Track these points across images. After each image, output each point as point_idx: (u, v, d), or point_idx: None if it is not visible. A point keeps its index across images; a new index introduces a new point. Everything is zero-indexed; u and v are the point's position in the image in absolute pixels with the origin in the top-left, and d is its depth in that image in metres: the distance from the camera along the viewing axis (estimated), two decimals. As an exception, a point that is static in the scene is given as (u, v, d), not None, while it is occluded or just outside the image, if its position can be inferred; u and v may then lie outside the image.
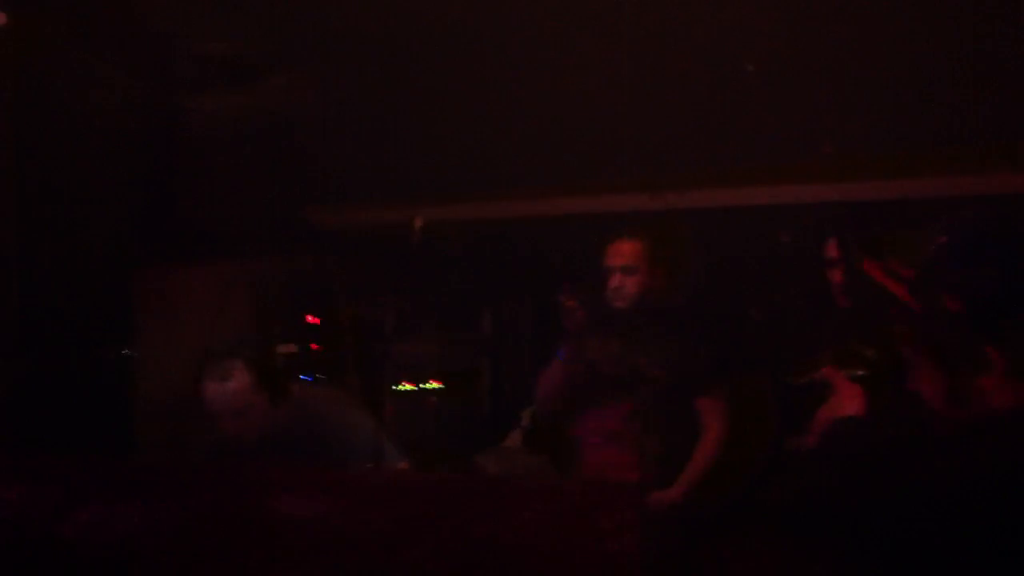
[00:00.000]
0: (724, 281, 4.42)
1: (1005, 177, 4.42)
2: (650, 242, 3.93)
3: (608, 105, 4.40)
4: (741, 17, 4.21)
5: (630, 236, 3.94)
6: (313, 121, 4.62)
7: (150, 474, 2.90)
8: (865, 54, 4.21)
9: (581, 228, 4.55)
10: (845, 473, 2.85)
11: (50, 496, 2.71)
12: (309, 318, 4.38)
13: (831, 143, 4.26)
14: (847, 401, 2.87)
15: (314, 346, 4.33)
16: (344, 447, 3.28)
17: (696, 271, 4.07)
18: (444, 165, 4.68)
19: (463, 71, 4.44)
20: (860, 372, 2.76)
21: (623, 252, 3.90)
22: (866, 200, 4.47)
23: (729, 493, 3.66)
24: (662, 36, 4.32)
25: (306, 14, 4.29)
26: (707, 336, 3.87)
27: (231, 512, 2.64)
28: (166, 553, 2.69)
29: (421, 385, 4.43)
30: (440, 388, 4.51)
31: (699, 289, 4.04)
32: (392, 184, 4.77)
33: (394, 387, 4.34)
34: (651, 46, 4.35)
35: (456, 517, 2.54)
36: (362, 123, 4.62)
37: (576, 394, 3.84)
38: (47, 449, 3.50)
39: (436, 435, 4.39)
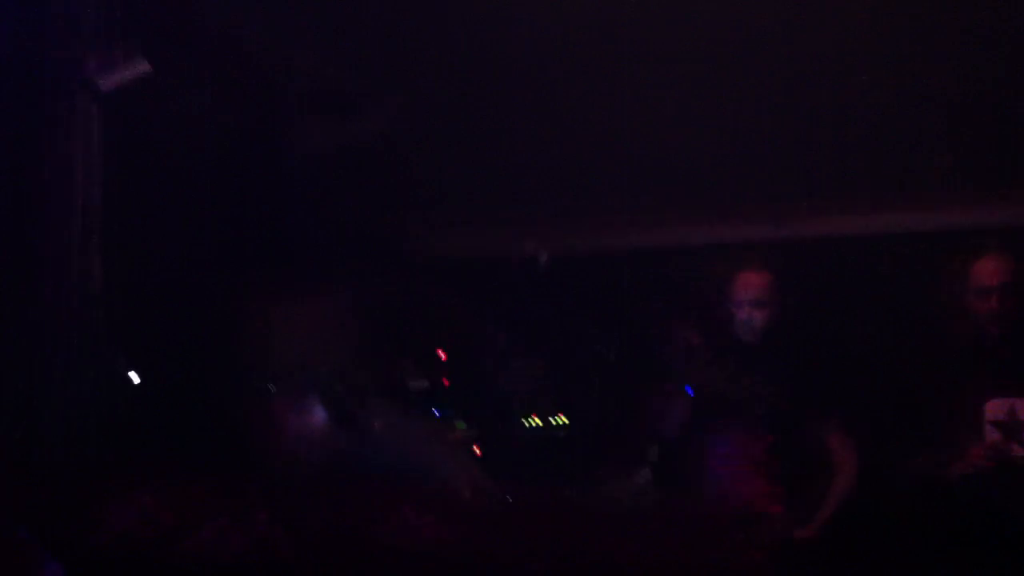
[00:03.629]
0: (846, 312, 4.36)
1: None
2: (777, 274, 3.91)
3: (727, 132, 4.41)
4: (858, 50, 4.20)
5: (759, 268, 3.93)
6: (429, 147, 4.71)
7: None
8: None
9: (699, 258, 4.54)
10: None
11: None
12: (440, 352, 4.45)
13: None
14: None
15: (445, 381, 4.40)
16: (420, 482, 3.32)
17: (818, 302, 4.05)
18: (561, 191, 4.72)
19: (572, 96, 4.49)
20: None
21: (753, 284, 3.89)
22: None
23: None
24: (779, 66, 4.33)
25: (407, 43, 4.39)
26: (827, 367, 3.83)
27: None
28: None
29: (550, 419, 4.46)
30: (566, 423, 4.53)
31: (821, 320, 4.01)
32: (509, 212, 4.82)
33: (523, 421, 4.38)
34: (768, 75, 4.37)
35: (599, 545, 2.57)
36: (474, 149, 4.68)
37: (701, 424, 3.84)
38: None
39: (562, 469, 4.41)
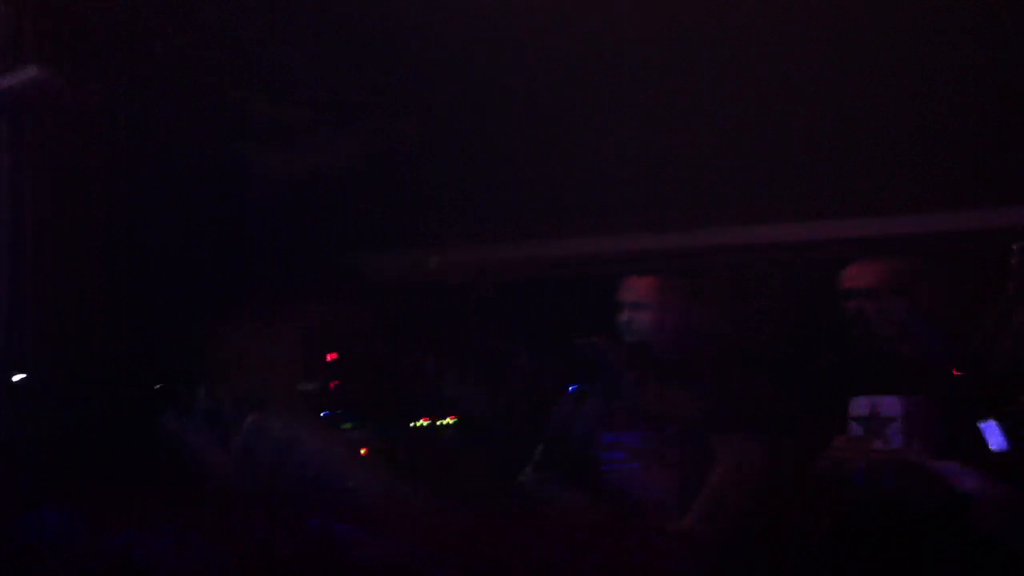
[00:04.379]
0: (755, 320, 4.55)
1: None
2: (664, 279, 4.06)
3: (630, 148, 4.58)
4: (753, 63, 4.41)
5: (641, 273, 4.08)
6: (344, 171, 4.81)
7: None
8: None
9: (598, 269, 4.71)
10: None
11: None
12: (329, 355, 4.49)
13: None
14: None
15: (332, 383, 4.43)
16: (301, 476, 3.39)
17: (723, 312, 4.22)
18: (468, 209, 4.84)
19: (485, 118, 4.64)
20: None
21: (633, 288, 4.03)
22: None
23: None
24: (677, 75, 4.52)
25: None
26: (732, 376, 3.98)
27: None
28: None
29: (438, 421, 4.52)
30: (455, 423, 4.60)
31: (728, 329, 4.18)
32: (417, 227, 4.94)
33: (412, 424, 4.44)
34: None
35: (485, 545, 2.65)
36: (387, 172, 4.80)
37: (591, 423, 3.96)
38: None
39: (451, 470, 4.48)
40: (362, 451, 4.10)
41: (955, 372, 3.62)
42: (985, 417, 3.28)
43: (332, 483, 3.34)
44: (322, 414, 4.24)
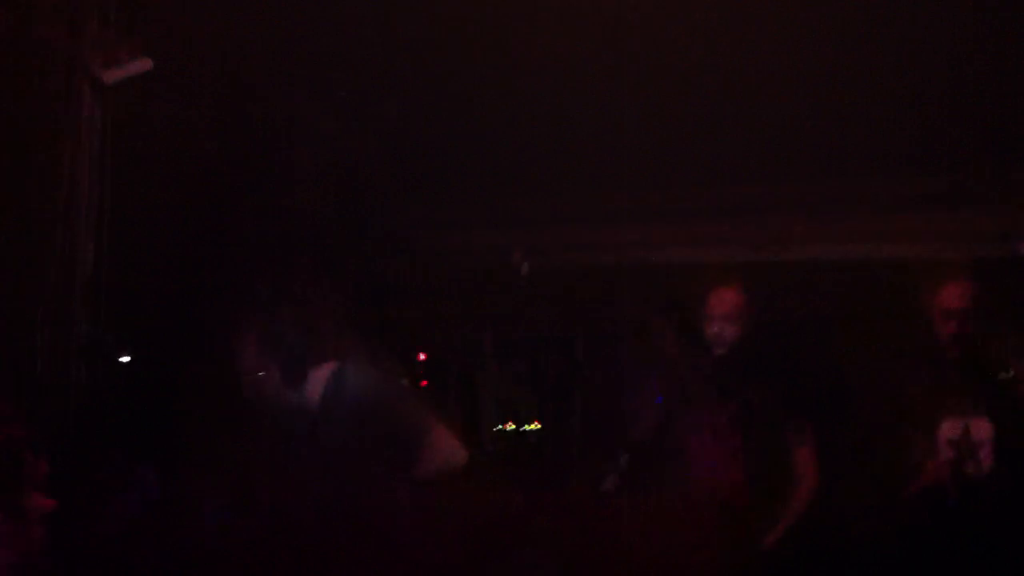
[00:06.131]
0: (819, 331, 4.50)
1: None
2: (748, 291, 4.06)
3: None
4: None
5: (732, 285, 4.07)
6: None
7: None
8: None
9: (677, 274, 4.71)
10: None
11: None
12: (421, 355, 4.54)
13: None
14: None
15: (423, 383, 4.47)
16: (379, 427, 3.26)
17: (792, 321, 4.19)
18: (547, 203, 4.85)
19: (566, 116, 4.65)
20: None
21: (726, 300, 4.03)
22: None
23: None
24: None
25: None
26: (798, 383, 3.97)
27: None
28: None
29: (523, 428, 4.56)
30: (539, 429, 4.63)
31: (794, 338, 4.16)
32: (496, 219, 4.96)
33: (497, 427, 4.47)
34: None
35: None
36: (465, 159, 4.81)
37: (673, 428, 3.96)
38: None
39: (535, 475, 4.50)
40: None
41: None
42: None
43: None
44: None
